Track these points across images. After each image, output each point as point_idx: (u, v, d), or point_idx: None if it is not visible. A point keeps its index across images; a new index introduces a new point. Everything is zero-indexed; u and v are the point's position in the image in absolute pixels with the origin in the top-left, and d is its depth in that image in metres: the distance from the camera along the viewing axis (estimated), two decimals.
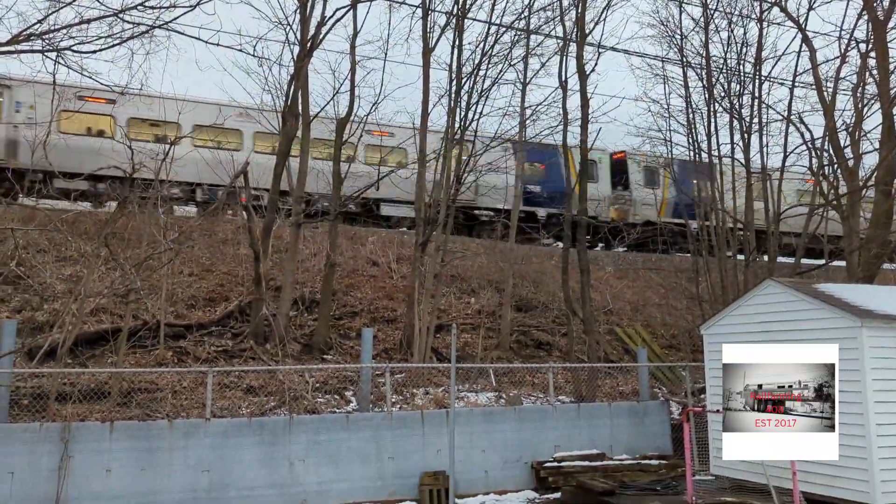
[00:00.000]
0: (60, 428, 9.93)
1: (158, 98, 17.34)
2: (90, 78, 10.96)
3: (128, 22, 10.72)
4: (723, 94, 18.92)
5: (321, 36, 15.31)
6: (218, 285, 16.46)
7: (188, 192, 20.11)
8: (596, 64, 18.79)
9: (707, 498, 10.28)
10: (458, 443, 11.64)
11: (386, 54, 17.09)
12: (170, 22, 10.88)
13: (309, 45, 15.18)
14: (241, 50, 11.79)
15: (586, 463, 12.51)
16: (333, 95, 16.47)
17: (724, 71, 18.81)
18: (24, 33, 10.24)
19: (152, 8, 10.65)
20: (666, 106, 20.06)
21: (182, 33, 10.93)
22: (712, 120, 18.81)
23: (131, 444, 10.21)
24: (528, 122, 18.68)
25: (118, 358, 12.35)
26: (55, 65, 10.40)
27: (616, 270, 23.68)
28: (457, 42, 16.96)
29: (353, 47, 16.31)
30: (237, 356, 14.03)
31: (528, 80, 18.71)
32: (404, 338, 15.59)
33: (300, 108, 15.55)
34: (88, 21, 10.45)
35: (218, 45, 10.68)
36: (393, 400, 13.17)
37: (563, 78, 17.89)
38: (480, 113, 17.10)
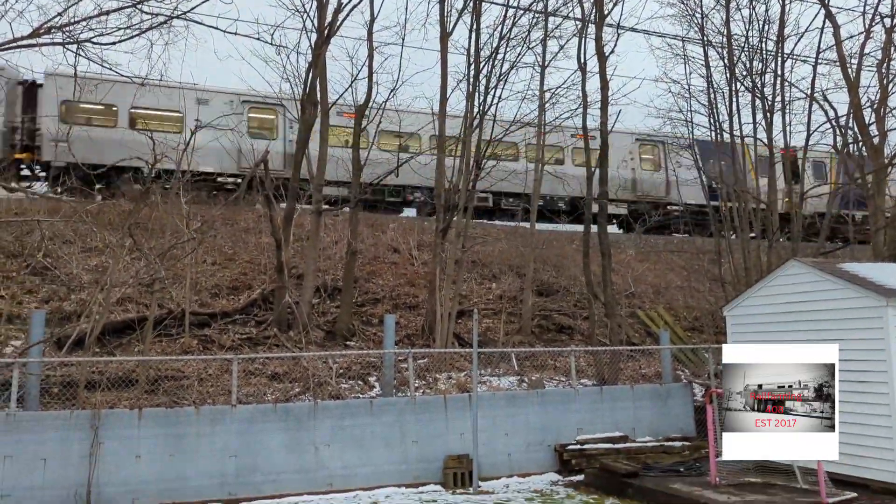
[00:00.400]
0: (90, 415, 10.11)
1: (406, 112, 18.83)
2: (110, 69, 11.07)
3: (146, 12, 10.81)
4: (745, 72, 18.68)
5: (338, 23, 15.32)
6: (241, 274, 16.62)
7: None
8: (615, 45, 18.60)
9: (730, 479, 10.25)
10: (481, 426, 11.71)
11: (403, 40, 16.99)
12: (188, 12, 10.94)
13: (326, 32, 15.18)
14: (258, 38, 11.75)
15: (609, 445, 12.52)
16: (351, 82, 16.50)
17: (746, 49, 18.56)
18: (45, 26, 10.37)
19: None
20: (687, 86, 19.86)
21: (200, 23, 10.99)
22: (734, 99, 18.60)
23: (159, 431, 10.38)
24: (547, 105, 18.56)
25: (145, 346, 12.54)
26: (76, 57, 10.49)
27: (637, 253, 23.57)
28: (474, 26, 16.89)
29: (370, 33, 16.30)
30: (261, 343, 14.18)
31: (546, 62, 18.56)
32: (426, 324, 15.65)
33: (319, 95, 15.57)
34: (108, 12, 10.55)
35: (236, 34, 10.71)
36: (416, 385, 13.25)
37: (583, 60, 17.73)
38: (499, 97, 17.01)
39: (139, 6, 10.78)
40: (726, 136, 18.77)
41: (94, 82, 12.96)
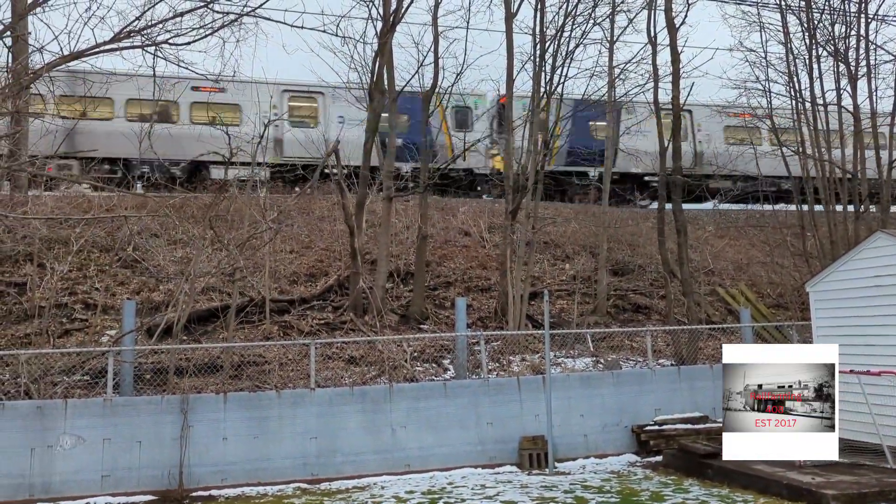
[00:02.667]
0: (180, 400, 10.66)
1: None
2: (187, 69, 11.50)
3: (217, 12, 11.15)
4: (827, 37, 17.80)
5: (403, 9, 15.43)
6: (317, 261, 17.04)
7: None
8: (686, 16, 18.04)
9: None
10: (556, 408, 11.71)
11: (468, 23, 17.02)
12: (256, 8, 11.24)
13: (391, 19, 15.31)
14: (324, 31, 12.05)
15: (688, 426, 12.31)
16: (418, 69, 16.60)
17: (828, 12, 17.68)
18: (125, 31, 10.84)
19: None
20: (763, 54, 19.08)
21: (268, 18, 11.26)
22: (815, 66, 17.76)
23: (244, 414, 10.84)
24: (616, 81, 18.20)
25: (228, 333, 13.06)
26: (154, 59, 10.94)
27: (717, 229, 22.90)
28: (539, 5, 16.68)
29: (435, 18, 16.35)
30: (338, 328, 14.54)
31: (615, 38, 18.20)
32: (499, 306, 15.70)
33: (386, 83, 15.74)
34: (182, 14, 10.94)
35: (302, 27, 10.94)
36: (490, 367, 13.36)
37: (653, 33, 17.32)
38: (565, 75, 16.77)
39: (210, 6, 11.14)
40: (807, 104, 17.99)
41: None
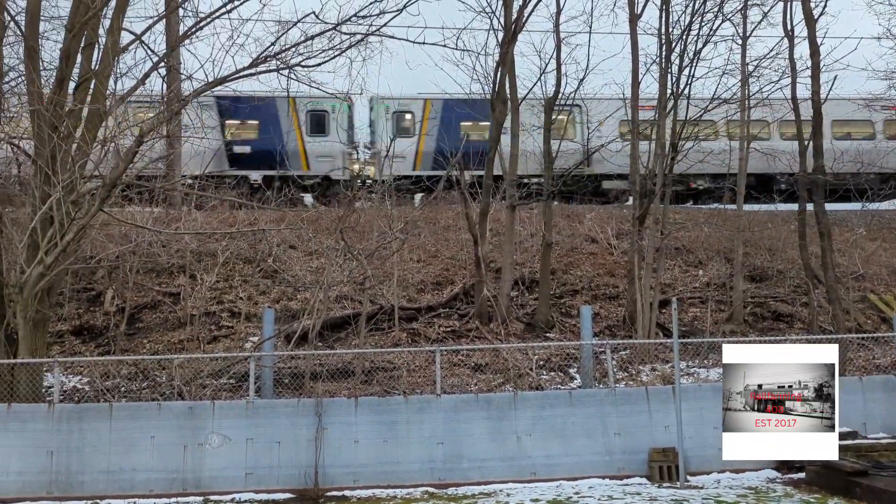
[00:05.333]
0: (315, 403, 11.19)
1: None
2: (318, 88, 12.17)
3: (345, 33, 11.75)
4: None
5: (524, 19, 15.54)
6: (443, 269, 17.39)
7: None
8: (825, 6, 16.86)
9: None
10: (688, 419, 11.30)
11: (591, 28, 16.79)
12: (381, 27, 11.76)
13: (513, 28, 15.44)
14: (444, 45, 12.33)
15: None
16: (540, 76, 16.61)
17: None
18: (262, 56, 11.64)
19: (364, 17, 11.58)
20: None
21: (392, 37, 11.80)
22: None
23: (373, 418, 11.23)
24: (750, 78, 17.37)
25: (360, 340, 13.60)
26: (287, 80, 11.65)
27: (868, 231, 21.28)
28: (664, 5, 16.22)
29: (556, 26, 16.34)
30: (464, 336, 14.77)
31: (748, 33, 17.40)
32: (627, 314, 15.37)
33: (508, 92, 15.85)
34: (312, 37, 11.62)
35: (424, 43, 11.32)
36: (618, 376, 13.11)
37: (789, 26, 16.40)
38: (692, 76, 16.18)
39: (339, 28, 11.74)
40: None
41: None
